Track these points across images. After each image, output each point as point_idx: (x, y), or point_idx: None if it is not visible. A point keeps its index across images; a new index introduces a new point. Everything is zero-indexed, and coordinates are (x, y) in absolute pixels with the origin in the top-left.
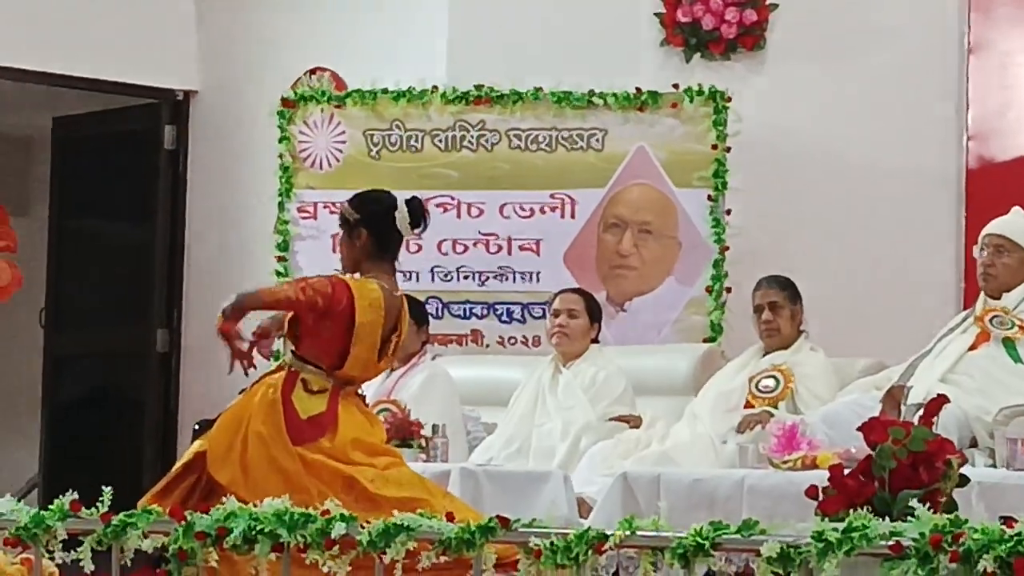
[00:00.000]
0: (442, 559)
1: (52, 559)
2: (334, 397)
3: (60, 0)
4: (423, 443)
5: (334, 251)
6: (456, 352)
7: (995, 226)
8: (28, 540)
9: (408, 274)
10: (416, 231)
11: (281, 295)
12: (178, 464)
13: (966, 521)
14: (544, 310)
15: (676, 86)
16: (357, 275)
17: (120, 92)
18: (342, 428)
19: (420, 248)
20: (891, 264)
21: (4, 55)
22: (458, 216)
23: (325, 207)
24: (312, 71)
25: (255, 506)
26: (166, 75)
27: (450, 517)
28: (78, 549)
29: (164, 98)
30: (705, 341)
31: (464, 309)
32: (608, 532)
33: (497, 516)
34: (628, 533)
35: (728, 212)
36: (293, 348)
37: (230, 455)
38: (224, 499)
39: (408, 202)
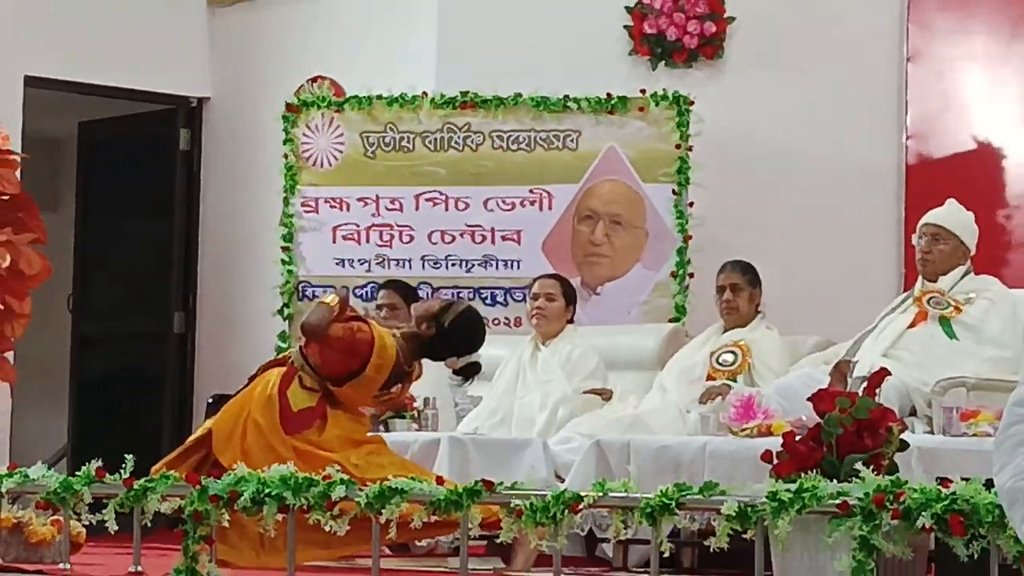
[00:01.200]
0: (432, 519)
1: (79, 520)
2: (323, 398)
3: (85, 16)
4: (415, 414)
5: (334, 242)
6: None
7: (932, 216)
8: (58, 503)
9: (401, 262)
10: (452, 378)
11: (341, 335)
12: (189, 439)
13: (906, 482)
14: (525, 294)
15: (643, 91)
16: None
17: (139, 99)
18: (329, 426)
19: (412, 239)
20: (838, 251)
21: (35, 66)
22: (446, 209)
23: (326, 202)
24: (313, 79)
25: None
26: (181, 84)
27: (439, 481)
28: (103, 511)
29: (179, 104)
30: (670, 321)
31: (452, 294)
32: (582, 493)
33: (482, 479)
34: (600, 494)
35: (691, 205)
36: (302, 345)
37: (232, 440)
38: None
39: (471, 363)
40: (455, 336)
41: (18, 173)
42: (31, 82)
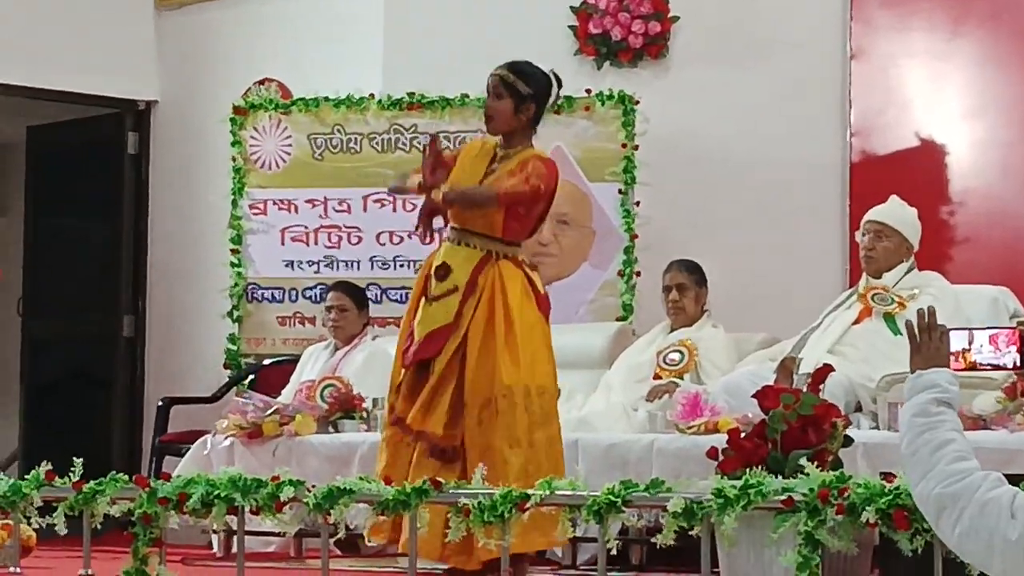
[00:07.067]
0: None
1: (29, 524)
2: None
3: (31, 20)
4: (364, 414)
5: (282, 244)
6: (394, 333)
7: (875, 213)
8: (7, 507)
9: (350, 263)
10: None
11: (513, 193)
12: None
13: (851, 477)
14: None
15: (589, 91)
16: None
17: (88, 103)
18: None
19: (361, 240)
20: (783, 248)
21: None
22: (394, 211)
23: (274, 204)
24: (260, 82)
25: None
26: (129, 87)
27: (387, 481)
28: (53, 515)
29: (127, 108)
30: (617, 320)
31: (401, 294)
32: (530, 492)
33: (430, 479)
34: (548, 492)
35: (637, 204)
36: (499, 236)
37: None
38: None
39: (557, 79)
40: (540, 87)
41: None
42: None
